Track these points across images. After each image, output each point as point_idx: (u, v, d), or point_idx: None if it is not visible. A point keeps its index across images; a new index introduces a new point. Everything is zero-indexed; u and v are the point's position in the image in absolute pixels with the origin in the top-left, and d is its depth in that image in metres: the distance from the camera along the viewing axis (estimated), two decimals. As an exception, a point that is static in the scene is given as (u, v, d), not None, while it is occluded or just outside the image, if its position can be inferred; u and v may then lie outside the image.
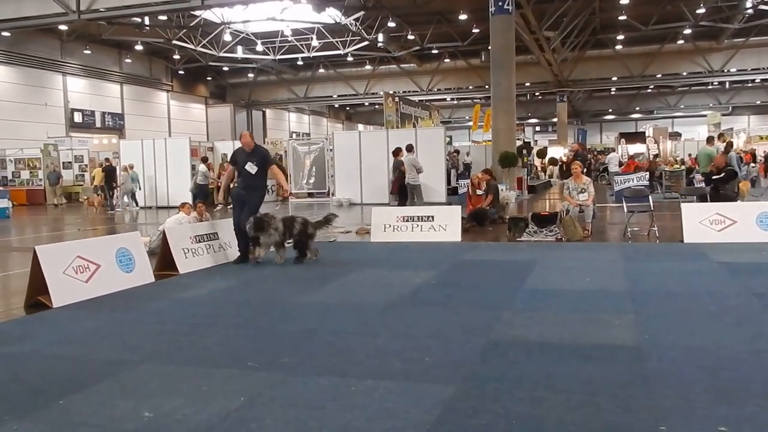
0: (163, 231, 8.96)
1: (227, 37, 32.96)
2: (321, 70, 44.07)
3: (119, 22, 27.84)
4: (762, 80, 45.83)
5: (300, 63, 40.76)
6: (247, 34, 33.43)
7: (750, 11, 29.02)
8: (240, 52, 35.71)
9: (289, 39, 34.43)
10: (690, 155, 30.29)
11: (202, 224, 9.93)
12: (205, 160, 21.15)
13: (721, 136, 20.36)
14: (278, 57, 37.02)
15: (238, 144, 9.45)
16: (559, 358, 4.44)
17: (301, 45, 35.31)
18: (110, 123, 35.93)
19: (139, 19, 27.59)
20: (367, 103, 53.20)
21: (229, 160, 9.53)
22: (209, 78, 44.75)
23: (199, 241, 9.02)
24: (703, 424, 3.28)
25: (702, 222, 9.93)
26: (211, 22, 30.06)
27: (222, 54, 34.90)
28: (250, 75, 44.65)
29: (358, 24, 30.85)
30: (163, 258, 8.55)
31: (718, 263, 7.98)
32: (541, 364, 4.32)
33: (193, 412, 3.65)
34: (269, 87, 46.92)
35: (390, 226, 11.34)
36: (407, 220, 11.23)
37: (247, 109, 47.30)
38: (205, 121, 44.89)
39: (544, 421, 3.40)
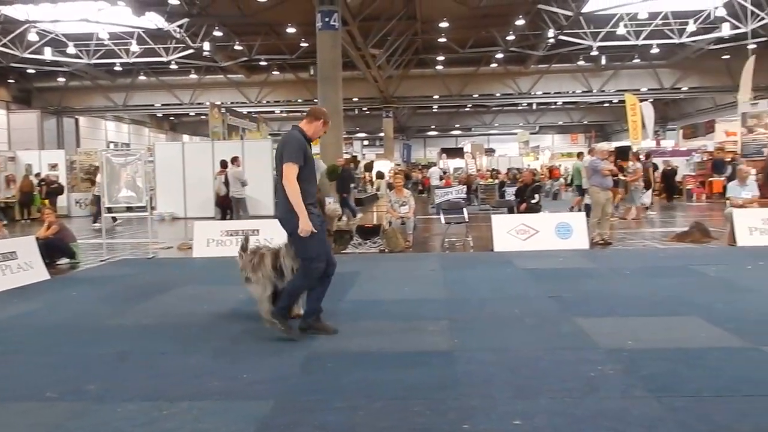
0: (-50, 250, 7.97)
1: (33, 37, 30.19)
2: (142, 77, 41.88)
3: None
4: (563, 103, 50.76)
5: (118, 68, 38.39)
6: (56, 35, 30.92)
7: (552, 40, 32.06)
8: (48, 54, 32.88)
9: (106, 42, 32.34)
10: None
11: (-1, 242, 8.98)
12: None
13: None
14: (93, 61, 34.61)
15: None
16: (378, 367, 4.57)
17: (120, 50, 33.34)
18: None
19: (-76, 12, 24.48)
20: (192, 113, 51.37)
21: (293, 156, 5.18)
22: (11, 81, 40.64)
23: (-5, 261, 8.14)
24: (502, 418, 3.54)
25: (510, 232, 10.76)
26: (13, 19, 27.43)
27: (27, 55, 31.92)
28: (61, 79, 41.26)
29: (182, 31, 29.79)
30: (-51, 281, 7.61)
31: (523, 269, 8.67)
32: (360, 374, 4.41)
33: (-24, 453, 3.27)
34: (83, 93, 43.67)
35: (213, 240, 11.01)
36: (231, 234, 10.97)
37: (58, 116, 43.61)
38: (6, 128, 40.69)
39: (359, 428, 3.48)
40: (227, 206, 15.75)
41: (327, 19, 19.63)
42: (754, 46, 29.40)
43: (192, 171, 19.78)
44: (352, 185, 18.57)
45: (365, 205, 24.91)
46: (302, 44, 32.18)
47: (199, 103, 42.47)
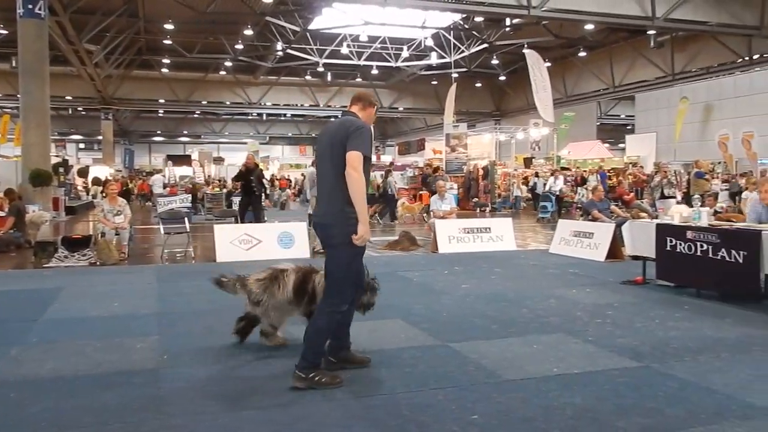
0: None
1: None
2: None
3: None
4: (292, 115, 52.08)
5: None
6: None
7: (280, 53, 32.69)
8: None
9: None
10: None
11: None
12: None
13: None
14: None
15: None
16: (72, 392, 4.16)
17: None
18: None
19: None
20: None
21: (364, 146, 4.20)
22: None
23: None
24: (206, 435, 3.46)
25: (233, 242, 10.66)
26: None
27: None
28: None
29: None
30: None
31: (244, 280, 8.63)
32: (50, 401, 3.97)
33: None
34: None
35: None
36: None
37: None
38: None
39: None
40: None
41: (30, 6, 17.51)
42: (456, 75, 33.29)
43: None
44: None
45: (78, 214, 22.79)
46: (1, 31, 28.31)
47: None
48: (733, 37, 23.77)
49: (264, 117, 53.69)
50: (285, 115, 51.68)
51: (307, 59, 32.97)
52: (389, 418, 3.67)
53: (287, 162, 51.31)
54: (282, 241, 10.92)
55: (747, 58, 25.30)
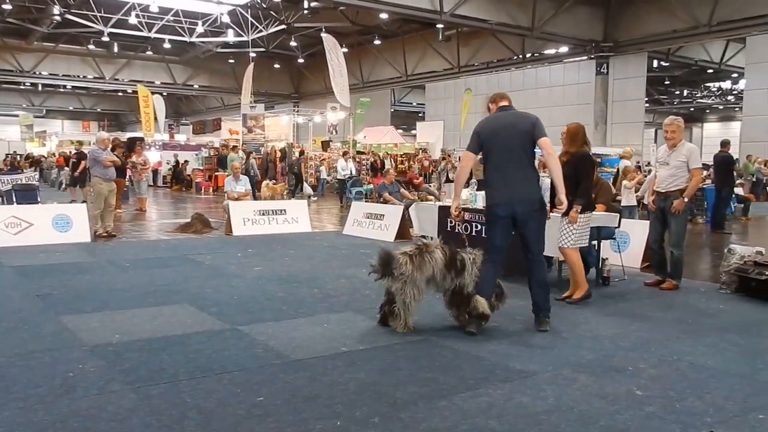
0: None
1: None
2: None
3: None
4: (73, 87, 47.54)
5: None
6: None
7: (58, 18, 29.62)
8: None
9: None
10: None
11: None
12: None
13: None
14: None
15: None
16: None
17: None
18: None
19: None
20: None
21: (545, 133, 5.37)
22: None
23: None
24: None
25: (-4, 226, 9.52)
26: None
27: None
28: None
29: None
30: None
31: (10, 267, 7.78)
32: None
33: None
34: None
35: None
36: None
37: None
38: None
39: None
40: None
41: None
42: (254, 54, 32.68)
43: None
44: None
45: None
46: None
47: None
48: (510, 36, 26.10)
49: (39, 87, 48.39)
50: (65, 86, 47.03)
51: (89, 27, 30.24)
52: (170, 408, 3.51)
53: (68, 138, 46.80)
54: (57, 225, 9.98)
55: (521, 56, 27.98)
